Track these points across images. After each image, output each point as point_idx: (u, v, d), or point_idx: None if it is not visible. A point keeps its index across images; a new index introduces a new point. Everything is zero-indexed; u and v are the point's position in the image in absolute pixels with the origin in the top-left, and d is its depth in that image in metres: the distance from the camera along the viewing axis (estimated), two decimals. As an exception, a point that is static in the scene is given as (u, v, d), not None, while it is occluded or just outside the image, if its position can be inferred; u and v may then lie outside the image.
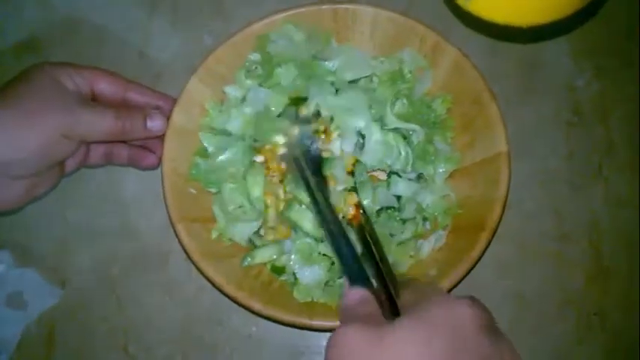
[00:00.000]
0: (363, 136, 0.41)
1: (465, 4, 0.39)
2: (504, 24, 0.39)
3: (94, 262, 0.45)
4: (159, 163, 0.44)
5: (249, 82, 0.44)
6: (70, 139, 0.39)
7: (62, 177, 0.43)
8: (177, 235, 0.40)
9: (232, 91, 0.44)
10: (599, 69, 0.50)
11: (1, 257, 0.45)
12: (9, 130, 0.37)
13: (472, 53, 0.43)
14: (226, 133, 0.43)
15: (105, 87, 0.42)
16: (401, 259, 0.40)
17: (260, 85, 0.43)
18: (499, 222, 0.39)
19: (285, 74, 0.43)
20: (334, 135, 0.41)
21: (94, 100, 0.42)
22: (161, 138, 0.42)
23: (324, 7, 0.43)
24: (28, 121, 0.37)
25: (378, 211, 0.41)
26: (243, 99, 0.43)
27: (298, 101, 0.42)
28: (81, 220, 0.46)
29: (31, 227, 0.46)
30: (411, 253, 0.41)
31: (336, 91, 0.42)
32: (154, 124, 0.42)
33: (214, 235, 0.41)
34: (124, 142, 0.45)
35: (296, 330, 0.41)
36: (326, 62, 0.44)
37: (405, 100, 0.43)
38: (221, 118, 0.43)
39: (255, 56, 0.44)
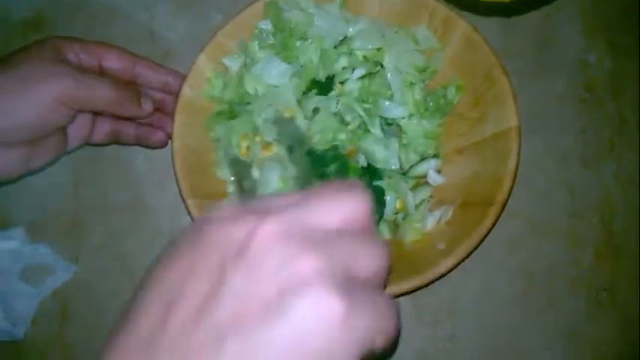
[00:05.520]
0: None
1: None
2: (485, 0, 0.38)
3: (107, 238, 0.46)
4: (167, 140, 0.44)
5: (261, 53, 0.43)
6: (67, 106, 0.38)
7: (64, 151, 0.43)
8: (188, 212, 0.40)
9: (229, 62, 0.43)
10: (611, 45, 0.49)
11: (15, 233, 0.45)
12: (2, 95, 0.37)
13: (483, 30, 0.42)
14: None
15: (113, 63, 0.42)
16: (407, 229, 0.40)
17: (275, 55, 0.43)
18: (508, 196, 0.39)
19: (306, 53, 0.42)
20: None
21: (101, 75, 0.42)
22: (170, 114, 0.42)
23: (333, -20, 0.43)
24: (23, 87, 0.37)
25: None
26: (248, 65, 0.43)
27: (317, 84, 0.43)
28: (93, 197, 0.46)
29: (44, 204, 0.46)
30: (416, 224, 0.41)
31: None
32: (145, 103, 0.42)
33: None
34: (130, 120, 0.45)
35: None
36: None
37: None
38: (228, 90, 0.43)
39: (267, 24, 0.43)
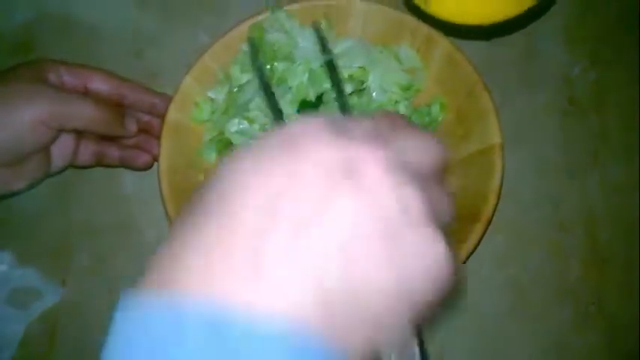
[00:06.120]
0: None
1: (425, 6, 0.39)
2: (465, 24, 0.39)
3: (95, 260, 0.46)
4: (153, 162, 0.44)
5: (245, 75, 0.43)
6: (46, 125, 0.38)
7: (48, 172, 0.42)
8: (175, 232, 0.40)
9: (214, 94, 0.44)
10: (594, 58, 0.50)
11: (3, 257, 0.45)
12: None
13: (466, 45, 0.43)
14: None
15: (100, 86, 0.42)
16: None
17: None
18: (493, 213, 0.39)
19: (296, 76, 0.42)
20: None
21: None
22: (157, 137, 0.42)
23: (317, 2, 0.44)
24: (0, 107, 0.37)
25: None
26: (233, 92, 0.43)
27: (307, 104, 0.43)
28: (81, 218, 0.46)
29: (32, 226, 0.46)
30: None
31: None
32: (129, 123, 0.42)
33: None
34: (115, 141, 0.45)
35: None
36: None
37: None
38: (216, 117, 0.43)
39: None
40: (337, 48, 0.44)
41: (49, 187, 0.45)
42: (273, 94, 0.38)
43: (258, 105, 0.42)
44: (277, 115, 0.38)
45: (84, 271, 0.45)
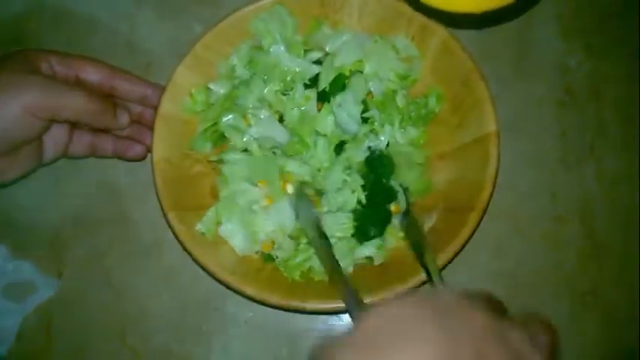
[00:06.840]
0: None
1: None
2: (456, 12, 0.39)
3: (90, 252, 0.45)
4: (146, 153, 0.44)
5: (247, 72, 0.44)
6: (36, 115, 0.38)
7: (40, 162, 0.42)
8: (168, 224, 0.40)
9: (215, 87, 0.44)
10: (589, 48, 0.50)
11: (-2, 250, 0.45)
12: None
13: (462, 35, 0.43)
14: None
15: (92, 76, 0.42)
16: (390, 239, 0.41)
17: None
18: (488, 202, 0.39)
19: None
20: None
21: None
22: (150, 127, 0.42)
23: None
24: None
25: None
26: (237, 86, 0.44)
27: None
28: (75, 211, 0.46)
29: (26, 219, 0.46)
30: (400, 233, 0.41)
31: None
32: (121, 115, 0.42)
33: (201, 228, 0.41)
34: (108, 133, 0.44)
35: (292, 314, 0.42)
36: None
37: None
38: (213, 109, 0.43)
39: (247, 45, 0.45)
40: (332, 44, 0.44)
41: (43, 179, 0.45)
42: (330, 244, 0.38)
43: (254, 104, 0.42)
44: (334, 264, 0.38)
45: (80, 263, 0.45)
